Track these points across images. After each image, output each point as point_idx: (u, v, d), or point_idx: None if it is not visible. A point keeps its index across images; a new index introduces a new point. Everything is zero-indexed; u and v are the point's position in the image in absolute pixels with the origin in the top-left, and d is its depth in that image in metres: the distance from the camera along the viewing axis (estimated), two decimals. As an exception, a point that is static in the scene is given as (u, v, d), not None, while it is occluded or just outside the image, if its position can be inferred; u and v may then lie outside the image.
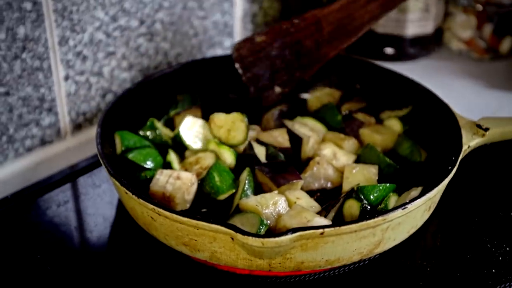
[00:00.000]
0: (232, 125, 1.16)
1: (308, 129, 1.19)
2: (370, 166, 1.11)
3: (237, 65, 1.26)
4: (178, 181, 1.05)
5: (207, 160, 1.10)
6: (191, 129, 1.15)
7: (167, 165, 1.12)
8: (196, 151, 1.14)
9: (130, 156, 1.10)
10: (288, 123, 1.20)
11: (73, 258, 1.03)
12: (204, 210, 1.06)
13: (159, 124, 1.18)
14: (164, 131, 1.18)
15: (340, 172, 1.12)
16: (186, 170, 1.10)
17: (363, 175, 1.09)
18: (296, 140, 1.16)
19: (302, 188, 1.08)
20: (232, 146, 1.14)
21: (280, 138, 1.16)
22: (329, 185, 1.11)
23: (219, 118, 1.17)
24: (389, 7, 1.21)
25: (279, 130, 1.19)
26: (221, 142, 1.15)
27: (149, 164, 1.10)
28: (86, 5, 1.21)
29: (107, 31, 1.26)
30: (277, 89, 1.25)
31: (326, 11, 1.23)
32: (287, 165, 1.09)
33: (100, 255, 1.05)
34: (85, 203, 1.15)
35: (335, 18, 1.22)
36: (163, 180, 1.05)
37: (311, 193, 1.08)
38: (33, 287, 0.98)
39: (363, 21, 1.21)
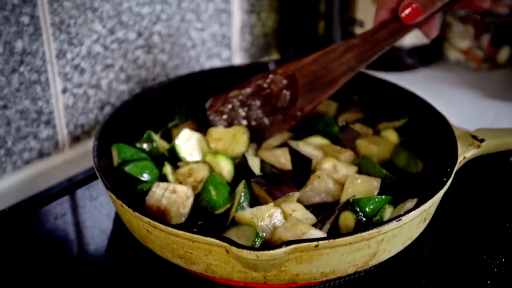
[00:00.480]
0: (232, 138, 1.16)
1: (313, 147, 1.19)
2: (373, 178, 1.10)
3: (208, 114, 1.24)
4: (173, 195, 1.05)
5: (201, 172, 1.11)
6: (187, 142, 1.16)
7: (164, 178, 1.12)
8: (188, 163, 1.14)
9: (127, 168, 1.10)
10: (292, 143, 1.19)
11: (71, 271, 1.03)
12: (200, 222, 1.06)
13: (156, 137, 1.19)
14: (161, 144, 1.19)
15: (341, 184, 1.12)
16: (180, 182, 1.10)
17: (364, 187, 1.09)
18: (298, 158, 1.16)
19: (302, 202, 1.08)
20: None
21: (282, 158, 1.15)
22: (329, 199, 1.11)
23: (217, 131, 1.18)
24: (366, 58, 1.17)
25: (281, 149, 1.18)
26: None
27: (145, 177, 1.11)
28: (84, 18, 1.22)
29: (104, 43, 1.27)
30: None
31: (301, 63, 1.19)
32: (283, 178, 1.09)
33: (97, 267, 1.06)
34: (83, 215, 1.15)
35: (310, 71, 1.18)
36: (159, 193, 1.05)
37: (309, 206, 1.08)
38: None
39: (340, 73, 1.18)
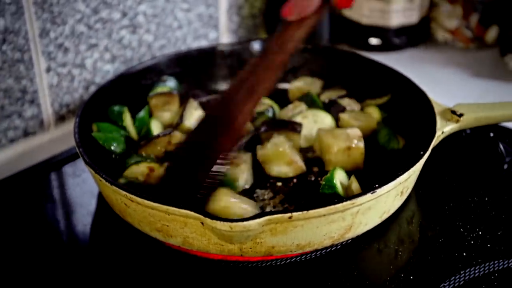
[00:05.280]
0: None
1: None
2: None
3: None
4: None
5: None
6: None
7: (128, 153, 1.13)
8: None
9: (94, 134, 1.11)
10: None
11: (56, 246, 1.04)
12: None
13: (128, 117, 1.19)
14: (129, 126, 1.19)
15: None
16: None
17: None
18: None
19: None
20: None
21: None
22: None
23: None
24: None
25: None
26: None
27: (110, 146, 1.12)
28: (66, -3, 1.23)
29: (88, 23, 1.28)
30: None
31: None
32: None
33: (81, 243, 1.06)
34: (67, 192, 1.16)
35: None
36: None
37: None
38: (12, 271, 0.99)
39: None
